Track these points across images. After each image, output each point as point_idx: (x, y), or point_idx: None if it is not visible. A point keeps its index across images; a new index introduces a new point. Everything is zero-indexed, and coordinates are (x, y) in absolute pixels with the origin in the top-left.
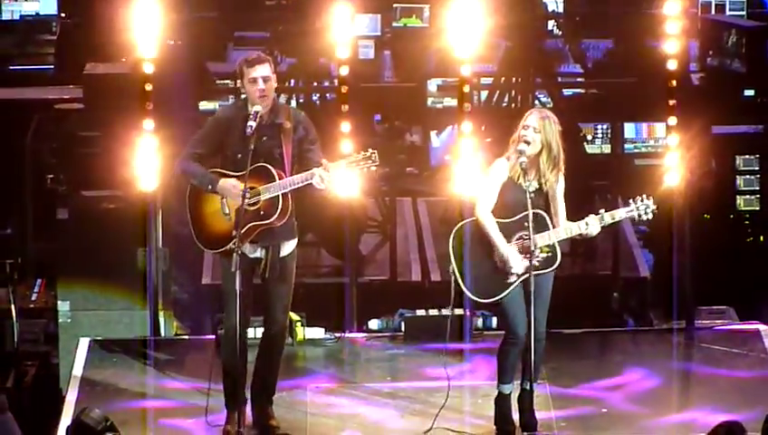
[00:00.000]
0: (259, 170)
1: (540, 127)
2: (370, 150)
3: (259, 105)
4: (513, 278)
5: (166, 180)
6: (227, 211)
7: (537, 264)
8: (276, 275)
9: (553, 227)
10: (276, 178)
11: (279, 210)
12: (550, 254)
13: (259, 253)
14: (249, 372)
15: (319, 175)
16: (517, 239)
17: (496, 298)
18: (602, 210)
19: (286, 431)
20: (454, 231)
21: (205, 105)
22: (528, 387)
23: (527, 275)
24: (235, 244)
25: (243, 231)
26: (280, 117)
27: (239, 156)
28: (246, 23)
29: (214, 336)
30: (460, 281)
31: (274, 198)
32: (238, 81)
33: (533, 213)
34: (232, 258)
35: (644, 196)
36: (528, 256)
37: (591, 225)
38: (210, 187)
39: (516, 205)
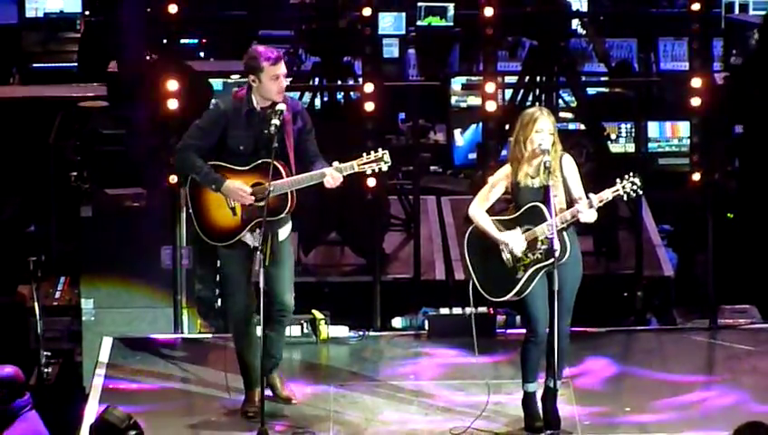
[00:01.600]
0: (266, 166)
1: (551, 128)
2: (381, 151)
3: (283, 104)
4: (520, 274)
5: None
6: (232, 205)
7: (539, 256)
8: (277, 260)
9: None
10: (284, 174)
11: (288, 207)
12: (547, 246)
13: (255, 242)
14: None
15: (330, 175)
16: (522, 233)
17: (511, 294)
18: (590, 194)
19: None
20: (465, 240)
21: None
22: (552, 385)
23: (536, 269)
24: (258, 244)
25: (249, 226)
26: (280, 107)
27: (241, 148)
28: (271, 21)
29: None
30: (478, 284)
31: (283, 194)
32: (250, 75)
33: (531, 206)
34: (233, 250)
35: (631, 173)
36: (531, 249)
37: (583, 211)
38: (214, 187)
39: (523, 206)
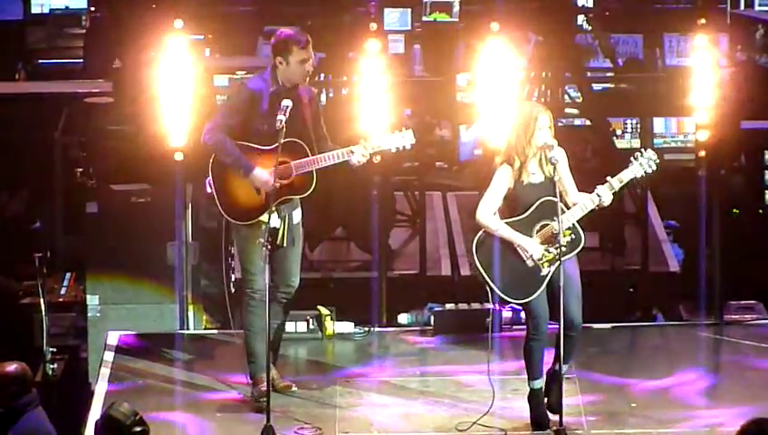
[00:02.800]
0: (291, 145)
1: (551, 123)
2: (405, 129)
3: (289, 101)
4: (545, 271)
5: (195, 149)
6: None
7: (564, 249)
8: (291, 242)
9: (567, 207)
10: (308, 153)
11: (312, 186)
12: (573, 236)
13: (276, 222)
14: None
15: (360, 153)
16: (538, 231)
17: (539, 292)
18: (608, 177)
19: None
20: (474, 246)
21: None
22: (557, 368)
23: (557, 263)
24: (263, 241)
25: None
26: (302, 94)
27: (265, 127)
28: (276, 17)
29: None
30: (495, 289)
31: (308, 173)
32: (278, 57)
33: (545, 200)
34: (253, 230)
35: (642, 150)
36: (551, 243)
37: (603, 195)
38: (243, 172)
39: (531, 202)
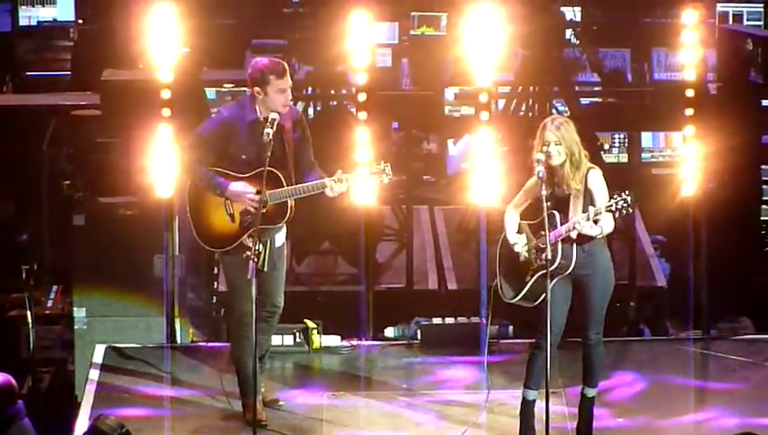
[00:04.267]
0: (267, 174)
1: (560, 139)
2: (383, 163)
3: (276, 114)
4: (527, 277)
5: (182, 186)
6: (231, 211)
7: (542, 262)
8: (273, 265)
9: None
10: (283, 183)
11: (287, 215)
12: (544, 253)
13: (258, 247)
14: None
15: (330, 186)
16: (539, 239)
17: (518, 297)
18: (590, 206)
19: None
20: (500, 240)
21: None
22: (586, 393)
23: (542, 275)
24: (251, 254)
25: (249, 232)
26: (283, 119)
27: (243, 156)
28: (264, 30)
29: (229, 344)
30: (500, 284)
31: (282, 202)
32: (256, 87)
33: (550, 213)
34: (234, 256)
35: (624, 191)
36: (538, 255)
37: (581, 222)
38: (219, 191)
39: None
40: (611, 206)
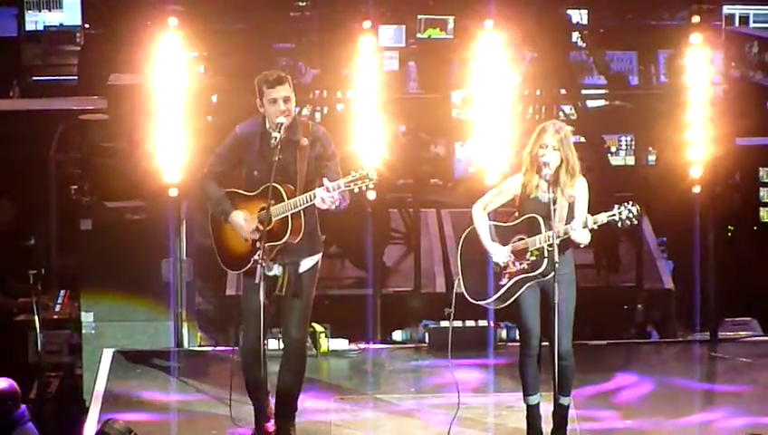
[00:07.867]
0: (268, 190)
1: (558, 144)
2: (367, 169)
3: (283, 118)
4: (503, 281)
5: (190, 191)
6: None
7: (526, 266)
8: (292, 292)
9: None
10: (285, 197)
11: (289, 230)
12: (536, 258)
13: (276, 270)
14: (273, 382)
15: (320, 196)
16: (514, 242)
17: (491, 299)
18: (587, 214)
19: None
20: (462, 239)
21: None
22: (561, 402)
23: (521, 279)
24: (258, 258)
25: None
26: (297, 134)
27: (255, 173)
28: (271, 34)
29: (236, 348)
30: (463, 284)
31: (284, 217)
32: (257, 100)
33: (533, 217)
34: (252, 277)
35: (629, 202)
36: (519, 258)
37: (576, 229)
38: (223, 218)
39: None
40: (616, 215)
